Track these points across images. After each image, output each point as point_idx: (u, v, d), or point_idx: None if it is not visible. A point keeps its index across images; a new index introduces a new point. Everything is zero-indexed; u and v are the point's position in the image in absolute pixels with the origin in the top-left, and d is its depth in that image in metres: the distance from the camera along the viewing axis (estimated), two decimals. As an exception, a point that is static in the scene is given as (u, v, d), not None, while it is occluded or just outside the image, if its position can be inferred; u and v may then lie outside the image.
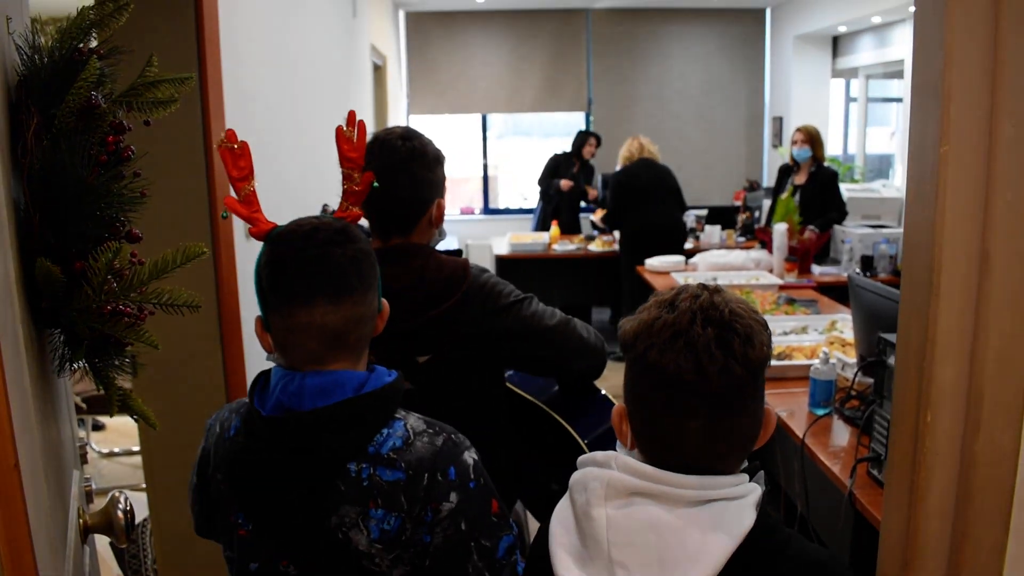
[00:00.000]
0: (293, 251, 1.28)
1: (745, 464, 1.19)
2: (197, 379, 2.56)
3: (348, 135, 1.43)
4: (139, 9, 2.26)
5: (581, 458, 1.18)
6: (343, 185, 1.45)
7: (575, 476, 1.17)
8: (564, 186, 7.40)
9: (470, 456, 1.34)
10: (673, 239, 6.30)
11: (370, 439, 1.28)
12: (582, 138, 7.56)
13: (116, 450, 4.99)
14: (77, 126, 1.03)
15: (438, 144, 1.97)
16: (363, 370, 1.34)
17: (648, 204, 6.23)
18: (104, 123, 1.05)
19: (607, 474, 1.11)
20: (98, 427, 5.29)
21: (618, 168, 6.41)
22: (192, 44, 2.38)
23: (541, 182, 7.68)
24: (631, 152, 6.32)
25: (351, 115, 1.47)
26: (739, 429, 1.10)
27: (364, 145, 1.48)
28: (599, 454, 1.15)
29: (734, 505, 1.06)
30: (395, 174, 1.87)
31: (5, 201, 0.94)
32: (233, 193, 1.37)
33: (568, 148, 7.60)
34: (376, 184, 1.39)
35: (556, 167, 7.57)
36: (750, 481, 1.13)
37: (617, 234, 6.75)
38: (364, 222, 1.96)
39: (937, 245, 0.65)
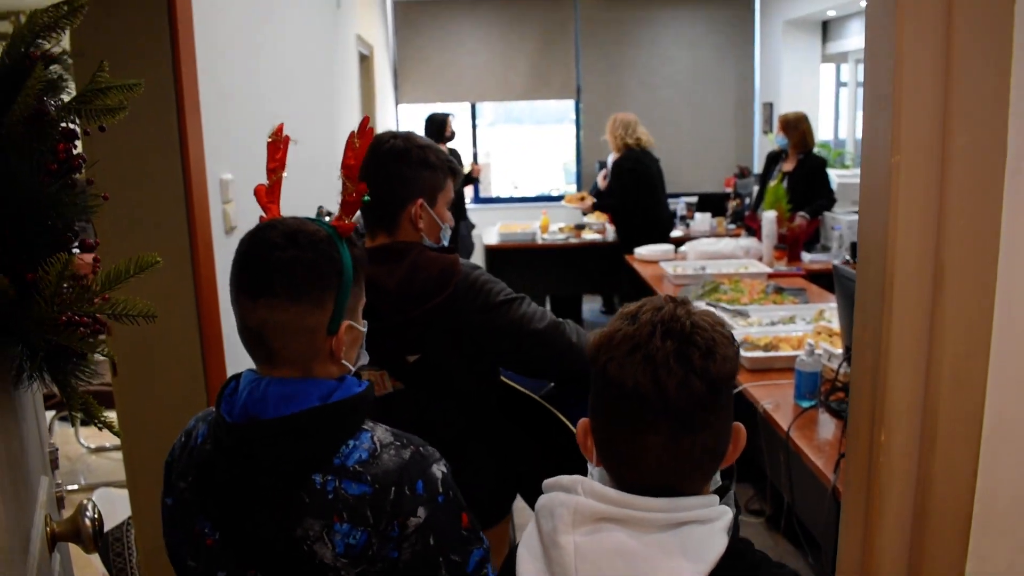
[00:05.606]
0: (241, 247, 1.28)
1: (718, 483, 1.16)
2: (177, 376, 2.54)
3: (353, 142, 1.42)
4: (108, 2, 2.24)
5: (547, 481, 1.14)
6: (340, 195, 1.45)
7: (541, 501, 1.13)
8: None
9: (438, 469, 1.29)
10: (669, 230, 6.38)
11: (335, 451, 1.24)
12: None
13: (106, 445, 4.97)
14: (26, 134, 1.00)
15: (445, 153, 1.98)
16: (332, 378, 1.30)
17: (661, 194, 6.21)
18: (55, 130, 1.02)
19: (573, 500, 1.07)
20: (86, 422, 5.26)
21: (621, 148, 6.09)
22: (165, 40, 2.34)
23: None
24: (642, 136, 6.04)
25: (364, 121, 1.45)
26: (701, 446, 1.06)
27: (362, 153, 1.46)
28: (565, 478, 1.11)
29: (704, 530, 1.03)
30: (372, 169, 1.88)
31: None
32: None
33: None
34: (368, 198, 1.37)
35: None
36: (721, 501, 1.10)
37: (609, 226, 6.71)
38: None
39: (890, 259, 0.63)
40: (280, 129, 1.39)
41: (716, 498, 1.10)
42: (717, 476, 1.16)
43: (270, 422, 1.22)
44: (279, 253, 1.23)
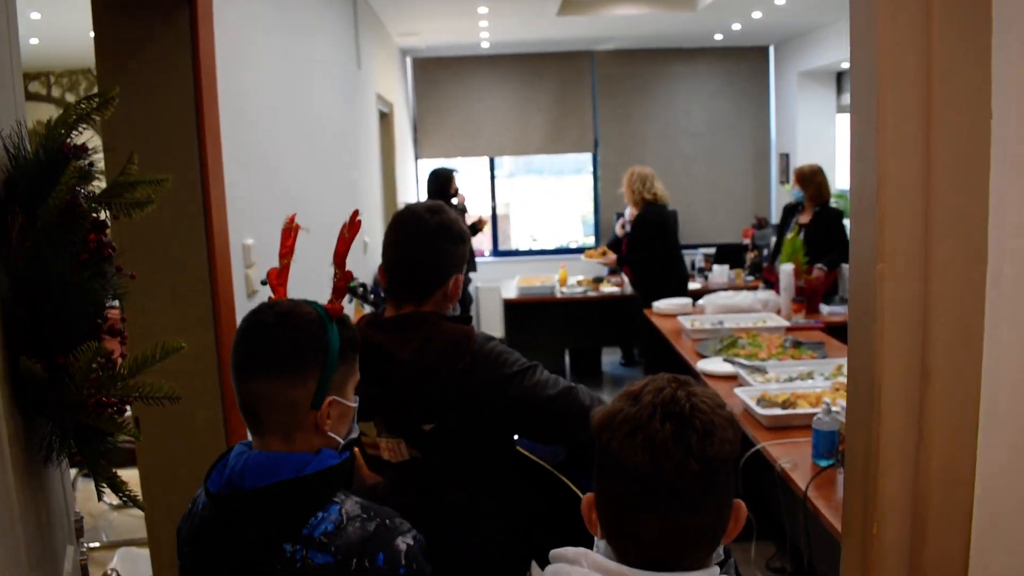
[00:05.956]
0: (240, 326, 1.39)
1: (720, 557, 1.18)
2: (198, 438, 2.58)
3: (344, 233, 1.55)
4: (135, 65, 2.33)
5: (552, 553, 1.18)
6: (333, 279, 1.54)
7: (547, 572, 1.17)
8: (460, 200, 7.00)
9: (403, 542, 1.34)
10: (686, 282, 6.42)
11: (305, 522, 1.31)
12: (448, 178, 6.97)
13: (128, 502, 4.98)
14: (59, 225, 1.05)
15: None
16: (310, 451, 1.36)
17: (678, 247, 6.31)
18: (86, 221, 1.07)
19: (577, 572, 1.11)
20: (109, 479, 5.29)
21: (639, 202, 6.17)
22: (190, 107, 2.42)
23: None
24: (658, 191, 6.14)
25: (354, 214, 1.57)
26: (698, 526, 1.09)
27: (350, 242, 1.57)
28: (569, 550, 1.15)
29: None
30: (420, 244, 1.94)
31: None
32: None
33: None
34: (353, 283, 1.48)
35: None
36: (721, 572, 1.13)
37: (625, 277, 6.74)
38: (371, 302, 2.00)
39: (878, 362, 0.66)
40: (292, 219, 1.51)
41: (716, 570, 1.13)
42: (720, 549, 1.18)
43: (246, 493, 1.30)
44: (269, 333, 1.35)
